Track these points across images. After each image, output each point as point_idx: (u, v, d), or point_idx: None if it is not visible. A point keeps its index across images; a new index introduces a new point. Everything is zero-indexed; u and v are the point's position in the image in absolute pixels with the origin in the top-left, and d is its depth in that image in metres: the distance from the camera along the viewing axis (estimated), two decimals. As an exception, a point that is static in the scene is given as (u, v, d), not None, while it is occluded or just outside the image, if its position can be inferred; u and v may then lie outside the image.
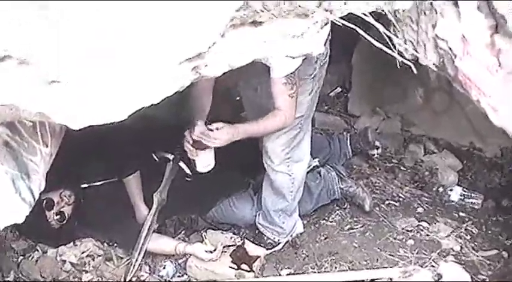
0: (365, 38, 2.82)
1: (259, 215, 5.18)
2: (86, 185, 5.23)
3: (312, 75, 4.54)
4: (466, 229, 5.28)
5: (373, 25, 2.85)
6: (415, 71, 2.96)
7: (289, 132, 4.64)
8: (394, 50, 3.00)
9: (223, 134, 4.34)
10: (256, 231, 5.24)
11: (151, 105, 2.58)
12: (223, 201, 5.30)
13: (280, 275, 4.96)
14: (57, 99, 2.45)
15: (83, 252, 5.07)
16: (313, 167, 5.45)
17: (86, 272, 5.02)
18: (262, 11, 2.70)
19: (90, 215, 5.18)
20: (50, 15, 2.40)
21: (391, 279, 4.61)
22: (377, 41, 2.88)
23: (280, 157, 4.77)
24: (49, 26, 2.40)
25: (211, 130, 4.34)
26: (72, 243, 5.12)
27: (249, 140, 4.50)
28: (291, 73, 4.15)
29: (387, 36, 2.93)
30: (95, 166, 5.15)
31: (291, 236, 5.22)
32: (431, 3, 3.40)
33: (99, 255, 5.11)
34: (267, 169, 4.90)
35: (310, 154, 5.11)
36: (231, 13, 2.63)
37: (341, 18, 2.85)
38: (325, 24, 2.93)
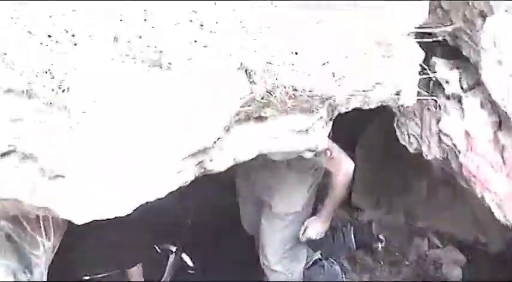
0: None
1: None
2: (87, 277, 5.18)
3: (314, 168, 4.55)
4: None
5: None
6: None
7: (286, 228, 4.63)
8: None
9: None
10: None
11: (156, 199, 2.58)
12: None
13: None
14: (61, 194, 2.44)
15: None
16: (316, 260, 5.40)
17: None
18: (267, 106, 2.72)
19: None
20: (54, 111, 2.42)
21: None
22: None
23: (278, 256, 4.75)
24: (53, 121, 2.42)
25: None
26: None
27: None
28: None
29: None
30: (97, 258, 5.11)
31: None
32: (435, 100, 3.42)
33: None
34: (264, 268, 4.86)
35: (312, 248, 5.09)
36: (236, 108, 2.65)
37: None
38: (330, 120, 2.95)
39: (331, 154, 4.17)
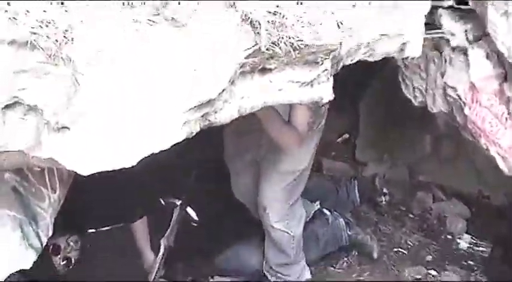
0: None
1: (266, 262, 5.14)
2: (92, 230, 5.21)
3: (319, 126, 4.54)
4: (475, 278, 5.24)
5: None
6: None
7: (291, 186, 4.63)
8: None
9: None
10: (264, 278, 5.19)
11: (161, 151, 2.58)
12: (230, 248, 5.27)
13: (287, 321, 4.93)
14: (66, 145, 2.44)
15: (89, 298, 5.04)
16: (318, 212, 5.41)
17: (92, 318, 4.98)
18: (272, 58, 2.71)
19: (97, 261, 5.15)
20: (58, 62, 2.41)
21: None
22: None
23: (281, 214, 4.75)
24: (58, 73, 2.42)
25: None
26: (78, 289, 5.09)
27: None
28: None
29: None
30: (101, 211, 5.12)
31: (299, 282, 5.18)
32: (440, 52, 3.41)
33: (105, 301, 5.07)
34: (265, 226, 4.87)
35: (317, 200, 5.11)
36: (241, 60, 2.64)
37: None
38: (335, 72, 2.94)
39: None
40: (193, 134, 2.68)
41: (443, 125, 5.67)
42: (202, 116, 2.64)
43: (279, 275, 5.09)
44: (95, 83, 2.43)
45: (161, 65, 2.51)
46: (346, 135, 6.88)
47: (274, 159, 4.61)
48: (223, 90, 2.63)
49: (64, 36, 2.42)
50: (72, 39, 2.43)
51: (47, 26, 2.40)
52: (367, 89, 6.20)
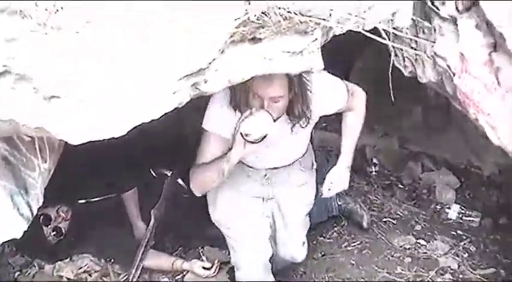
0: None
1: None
2: (83, 201, 5.22)
3: None
4: (463, 247, 5.29)
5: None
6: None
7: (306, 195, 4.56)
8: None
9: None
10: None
11: (151, 120, 2.58)
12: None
13: (277, 291, 4.95)
14: (57, 115, 2.45)
15: (80, 268, 5.06)
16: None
17: (83, 287, 5.01)
18: (262, 28, 2.70)
19: (88, 231, 5.17)
20: (48, 31, 2.41)
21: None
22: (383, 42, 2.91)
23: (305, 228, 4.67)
24: (48, 41, 2.41)
25: None
26: (69, 259, 5.11)
27: None
28: None
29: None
30: (92, 182, 5.14)
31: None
32: (430, 21, 3.40)
33: (96, 271, 5.09)
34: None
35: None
36: (231, 29, 2.64)
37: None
38: (325, 41, 2.94)
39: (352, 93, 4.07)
40: (184, 103, 2.69)
41: (434, 95, 5.68)
42: (192, 85, 2.65)
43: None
44: (85, 52, 2.42)
45: (150, 35, 2.50)
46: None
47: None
48: (213, 60, 2.63)
49: (53, 6, 2.41)
50: (62, 8, 2.42)
51: (36, -6, 2.40)
52: (358, 59, 6.20)
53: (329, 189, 4.22)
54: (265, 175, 4.18)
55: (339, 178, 4.21)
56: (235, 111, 3.70)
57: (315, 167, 4.51)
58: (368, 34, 2.94)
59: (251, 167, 4.15)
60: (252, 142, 3.58)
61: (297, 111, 3.75)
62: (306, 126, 3.89)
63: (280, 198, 4.35)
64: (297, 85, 3.60)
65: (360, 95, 4.15)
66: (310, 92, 3.75)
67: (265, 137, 3.57)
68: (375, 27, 3.01)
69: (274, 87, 3.52)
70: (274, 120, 3.58)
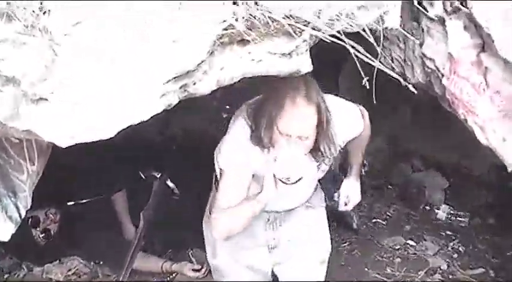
0: (355, 55, 2.83)
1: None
2: (72, 203, 5.21)
3: None
4: (453, 247, 5.30)
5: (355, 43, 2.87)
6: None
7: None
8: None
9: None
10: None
11: (140, 122, 2.57)
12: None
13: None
14: (45, 117, 2.44)
15: (69, 270, 5.04)
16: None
17: (72, 290, 5.00)
18: (251, 30, 2.70)
19: (77, 233, 5.16)
20: (37, 33, 2.40)
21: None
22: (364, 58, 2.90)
23: None
24: (37, 44, 2.40)
25: None
26: (58, 261, 5.09)
27: None
28: None
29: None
30: (81, 184, 5.13)
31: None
32: (418, 23, 3.41)
33: (85, 274, 5.08)
34: None
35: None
36: (219, 31, 2.64)
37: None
38: (314, 43, 2.94)
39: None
40: (172, 105, 2.68)
41: (424, 95, 5.68)
42: (181, 88, 2.64)
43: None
44: (73, 54, 2.42)
45: (139, 36, 2.50)
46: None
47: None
48: (202, 62, 2.63)
49: (40, 8, 2.41)
50: (49, 10, 2.42)
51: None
52: (346, 60, 6.19)
53: (345, 204, 4.06)
54: (268, 219, 3.84)
55: (353, 191, 4.05)
56: (258, 147, 3.39)
57: (325, 204, 4.19)
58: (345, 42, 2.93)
59: None
60: (286, 183, 3.37)
61: (323, 148, 3.46)
62: (330, 162, 3.70)
63: (286, 245, 3.96)
64: (325, 121, 3.31)
65: (366, 113, 3.93)
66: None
67: (301, 178, 3.37)
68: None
69: (304, 126, 3.26)
70: None
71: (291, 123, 3.21)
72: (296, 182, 3.37)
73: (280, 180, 3.35)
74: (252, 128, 3.37)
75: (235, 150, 3.44)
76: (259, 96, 3.43)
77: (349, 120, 3.67)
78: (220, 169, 3.51)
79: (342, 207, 4.07)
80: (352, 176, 4.06)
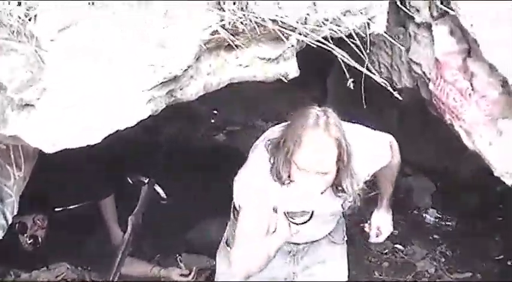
0: (342, 60, 2.83)
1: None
2: (60, 209, 5.19)
3: None
4: (441, 251, 5.31)
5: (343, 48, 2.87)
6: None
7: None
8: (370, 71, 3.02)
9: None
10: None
11: (126, 128, 2.57)
12: (199, 225, 5.28)
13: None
14: (31, 123, 2.44)
15: (57, 277, 5.02)
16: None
17: (60, 296, 4.98)
18: (237, 35, 2.71)
19: (64, 239, 5.13)
20: (22, 39, 2.40)
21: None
22: (352, 64, 2.91)
23: None
24: (23, 50, 2.40)
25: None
26: (45, 268, 5.07)
27: None
28: None
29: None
30: (68, 189, 5.11)
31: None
32: (405, 28, 3.43)
33: (73, 279, 5.06)
34: None
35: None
36: (206, 37, 2.64)
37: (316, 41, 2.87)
38: (301, 48, 2.95)
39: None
40: (159, 111, 2.68)
41: (410, 100, 5.69)
42: (167, 93, 2.64)
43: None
44: (59, 60, 2.42)
45: (126, 42, 2.50)
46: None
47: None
48: (188, 67, 2.63)
49: (26, 14, 2.41)
50: (35, 16, 2.42)
51: (9, 3, 2.39)
52: (334, 66, 6.20)
53: (377, 236, 3.95)
54: (290, 252, 3.71)
55: (384, 222, 3.96)
56: (278, 182, 3.26)
57: (345, 238, 4.09)
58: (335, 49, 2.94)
59: None
60: (297, 224, 3.34)
61: (345, 184, 3.33)
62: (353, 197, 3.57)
63: (305, 278, 3.87)
64: (345, 156, 3.17)
65: (394, 142, 3.81)
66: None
67: (311, 217, 3.36)
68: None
69: (323, 161, 3.14)
70: (322, 193, 3.29)
71: (308, 158, 3.10)
72: (305, 222, 3.36)
73: (290, 220, 3.30)
74: (271, 162, 3.25)
75: (254, 187, 3.31)
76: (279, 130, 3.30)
77: (375, 151, 3.57)
78: (239, 205, 3.39)
79: (373, 239, 3.99)
80: (383, 207, 3.97)
